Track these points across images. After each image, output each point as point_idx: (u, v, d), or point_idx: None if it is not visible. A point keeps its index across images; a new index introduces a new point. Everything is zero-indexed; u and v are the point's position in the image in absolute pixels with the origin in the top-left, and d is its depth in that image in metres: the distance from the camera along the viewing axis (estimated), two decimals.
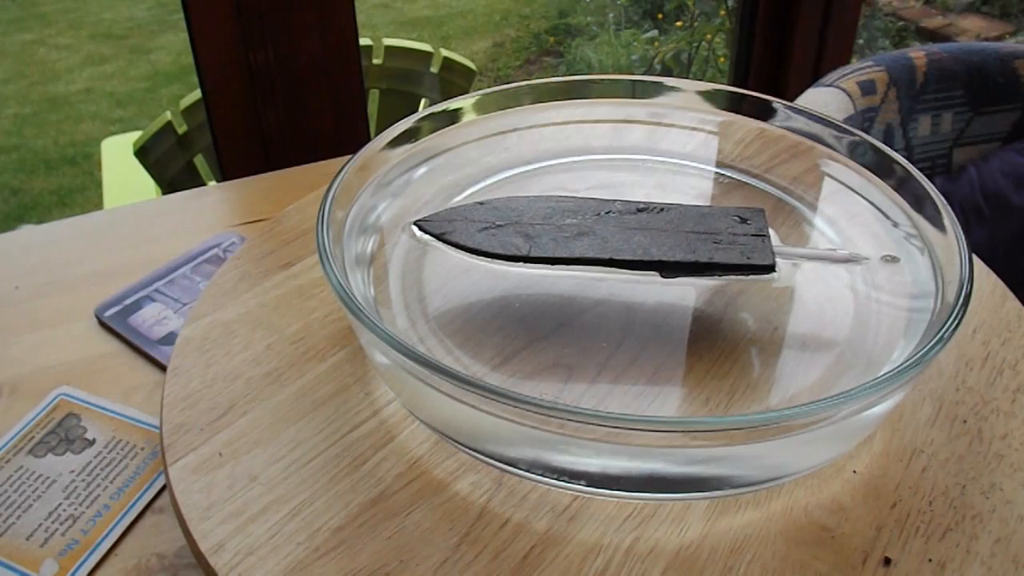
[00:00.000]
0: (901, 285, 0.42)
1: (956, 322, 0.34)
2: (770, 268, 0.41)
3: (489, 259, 0.41)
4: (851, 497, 0.35)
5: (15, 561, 0.40)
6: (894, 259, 0.43)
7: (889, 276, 0.43)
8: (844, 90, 0.87)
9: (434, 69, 1.36)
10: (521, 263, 0.40)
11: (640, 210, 0.43)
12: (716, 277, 0.41)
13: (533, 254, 0.40)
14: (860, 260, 0.43)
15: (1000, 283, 0.46)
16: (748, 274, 0.41)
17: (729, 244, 0.41)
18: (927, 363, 0.33)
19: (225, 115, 0.80)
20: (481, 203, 0.43)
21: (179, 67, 2.60)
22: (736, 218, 0.43)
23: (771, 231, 0.43)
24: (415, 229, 0.43)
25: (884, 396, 0.32)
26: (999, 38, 2.53)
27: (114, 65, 2.63)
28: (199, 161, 1.29)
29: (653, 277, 0.41)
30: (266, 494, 0.35)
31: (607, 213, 0.43)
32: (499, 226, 0.42)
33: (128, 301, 0.55)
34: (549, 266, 0.41)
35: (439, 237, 0.42)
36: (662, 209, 0.43)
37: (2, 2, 2.98)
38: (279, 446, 0.37)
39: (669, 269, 0.40)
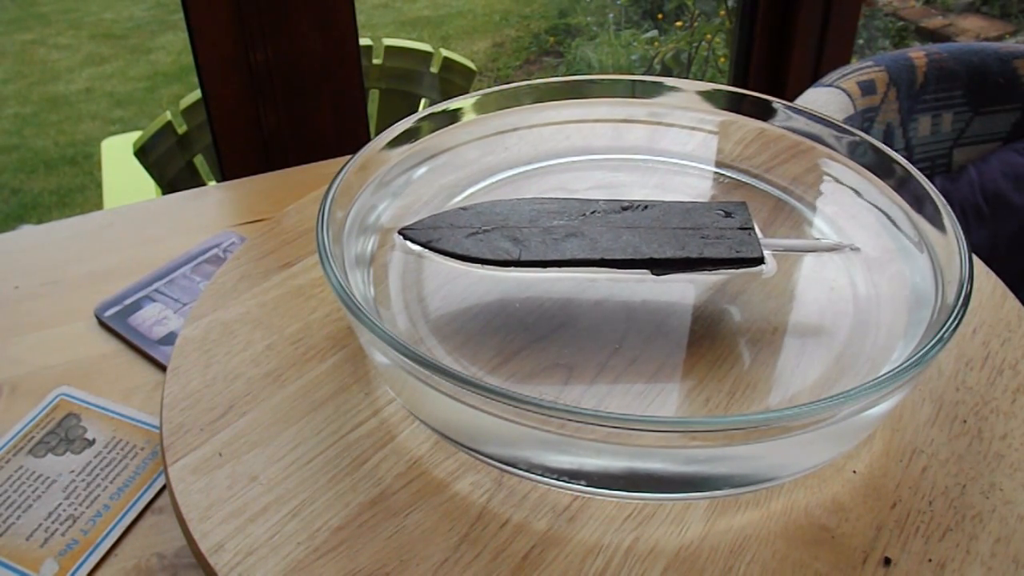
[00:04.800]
0: (901, 285, 0.42)
1: (956, 322, 0.34)
2: (759, 260, 0.41)
3: (480, 265, 0.40)
4: (851, 497, 0.35)
5: (15, 561, 0.40)
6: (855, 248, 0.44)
7: (889, 276, 0.43)
8: (844, 90, 0.87)
9: (434, 69, 1.36)
10: (512, 267, 0.40)
11: (625, 208, 0.43)
12: (706, 272, 0.41)
13: (524, 258, 0.40)
14: (844, 248, 0.44)
15: (1000, 283, 0.46)
16: (738, 267, 0.41)
17: (716, 238, 0.41)
18: (927, 363, 0.33)
19: (225, 115, 0.80)
20: (464, 208, 0.43)
21: (179, 67, 2.60)
22: (720, 212, 0.43)
23: (754, 223, 0.43)
24: (400, 238, 0.42)
25: (884, 396, 0.32)
26: (999, 38, 2.53)
27: (114, 65, 2.63)
28: (199, 161, 1.28)
29: (644, 275, 0.41)
30: (266, 494, 0.35)
31: (592, 213, 0.43)
32: (486, 231, 0.41)
33: (128, 301, 0.55)
34: (541, 269, 0.40)
35: (426, 245, 0.41)
36: (646, 207, 0.43)
37: (2, 2, 2.98)
38: (279, 446, 0.37)
39: (660, 266, 0.40)
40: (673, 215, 0.43)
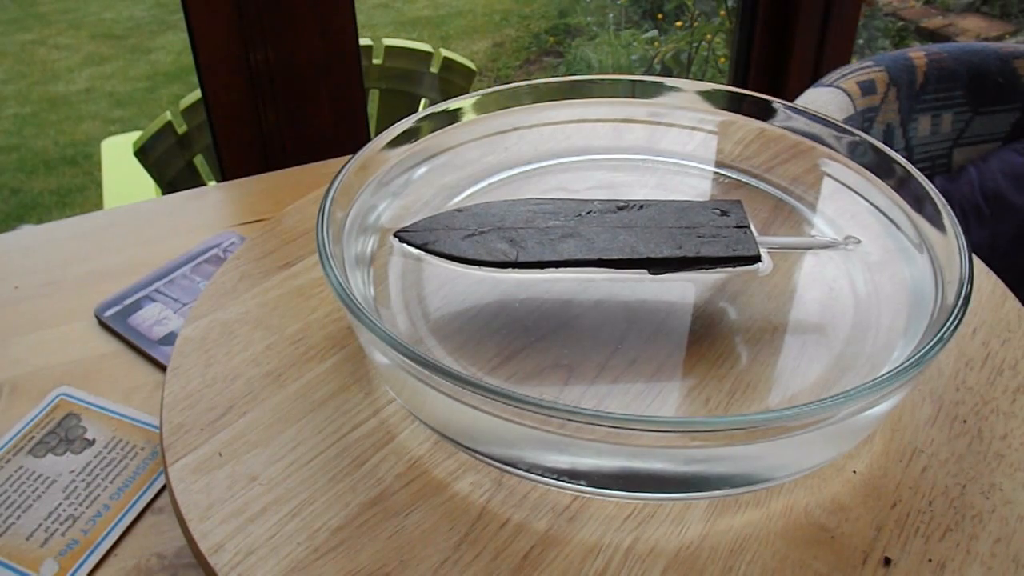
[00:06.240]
0: (901, 285, 0.42)
1: (956, 322, 0.34)
2: (756, 258, 0.41)
3: (477, 267, 0.40)
4: (851, 497, 0.35)
5: (15, 561, 0.40)
6: (856, 240, 0.44)
7: (889, 276, 0.43)
8: (844, 90, 0.87)
9: (434, 69, 1.36)
10: (510, 269, 0.40)
11: (620, 208, 0.43)
12: (703, 270, 0.41)
13: (521, 259, 0.40)
14: (840, 245, 0.44)
15: (1000, 283, 0.46)
16: (735, 265, 0.41)
17: (713, 237, 0.42)
18: (927, 363, 0.33)
19: (225, 115, 0.80)
20: (459, 210, 0.43)
21: (179, 67, 2.60)
22: (716, 211, 0.43)
23: (750, 221, 0.43)
24: (396, 241, 0.42)
25: (884, 396, 0.32)
26: (999, 38, 2.53)
27: (114, 65, 2.63)
28: (199, 161, 1.29)
29: (643, 274, 0.41)
30: (266, 494, 0.35)
31: (588, 213, 0.43)
32: (482, 232, 0.41)
33: (128, 301, 0.55)
34: (539, 270, 0.40)
35: (423, 248, 0.41)
36: (642, 206, 0.43)
37: (2, 2, 2.98)
38: (279, 446, 0.37)
39: (657, 265, 0.40)
40: (669, 214, 0.43)
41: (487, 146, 0.51)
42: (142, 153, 1.26)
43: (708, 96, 0.51)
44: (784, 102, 0.49)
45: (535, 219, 0.42)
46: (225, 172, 0.82)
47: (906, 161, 0.44)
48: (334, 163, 0.67)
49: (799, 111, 0.49)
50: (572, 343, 0.40)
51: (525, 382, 0.38)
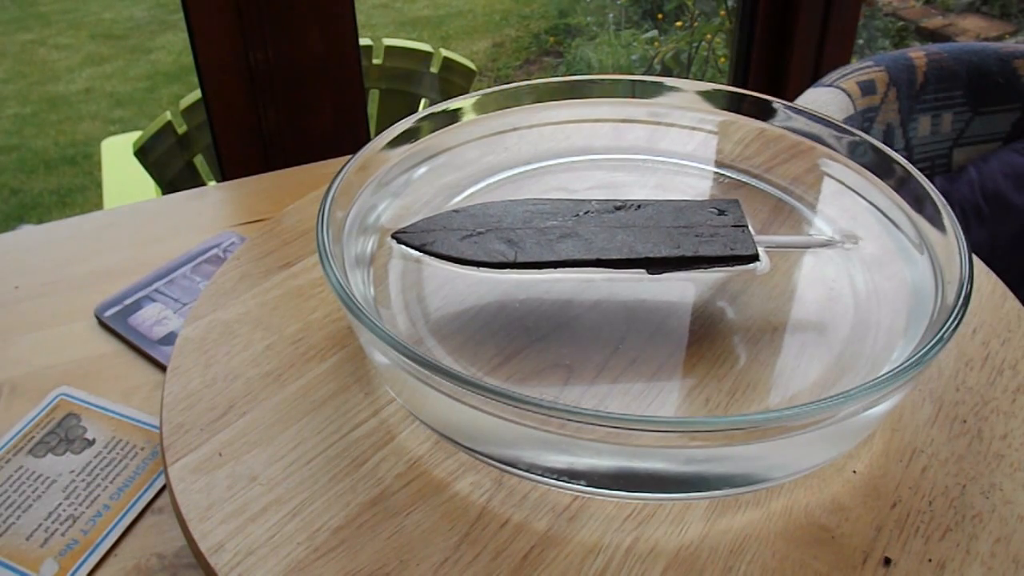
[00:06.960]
0: (901, 285, 0.42)
1: (956, 322, 0.34)
2: (753, 258, 0.41)
3: (476, 267, 0.40)
4: (851, 497, 0.35)
5: (15, 561, 0.40)
6: (854, 239, 0.44)
7: (889, 276, 0.43)
8: (844, 90, 0.87)
9: (434, 69, 1.36)
10: (508, 269, 0.40)
11: (618, 208, 0.43)
12: (701, 270, 0.41)
13: (520, 260, 0.40)
14: (837, 243, 0.44)
15: (1000, 283, 0.46)
16: (733, 265, 0.41)
17: (711, 236, 0.42)
18: (927, 363, 0.33)
19: (225, 115, 0.80)
20: (456, 211, 0.43)
21: (179, 67, 2.60)
22: (713, 210, 0.43)
23: (748, 220, 0.43)
24: (394, 242, 0.42)
25: (884, 396, 0.32)
26: (999, 38, 2.53)
27: (114, 65, 2.63)
28: (199, 161, 1.28)
29: (641, 274, 0.41)
30: (266, 494, 0.35)
31: (586, 213, 0.43)
32: (480, 233, 0.41)
33: (128, 301, 0.55)
34: (537, 271, 0.40)
35: (421, 249, 0.41)
36: (639, 206, 0.43)
37: (2, 2, 2.98)
38: (279, 446, 0.37)
39: (656, 265, 0.40)
40: (667, 214, 0.43)
41: (487, 146, 0.51)
42: (142, 153, 1.26)
43: (708, 96, 0.51)
44: (784, 102, 0.49)
45: (533, 219, 0.42)
46: (225, 172, 0.82)
47: (906, 161, 0.44)
48: (334, 163, 0.67)
49: (799, 111, 0.49)
50: (572, 343, 0.40)
51: (525, 382, 0.38)
